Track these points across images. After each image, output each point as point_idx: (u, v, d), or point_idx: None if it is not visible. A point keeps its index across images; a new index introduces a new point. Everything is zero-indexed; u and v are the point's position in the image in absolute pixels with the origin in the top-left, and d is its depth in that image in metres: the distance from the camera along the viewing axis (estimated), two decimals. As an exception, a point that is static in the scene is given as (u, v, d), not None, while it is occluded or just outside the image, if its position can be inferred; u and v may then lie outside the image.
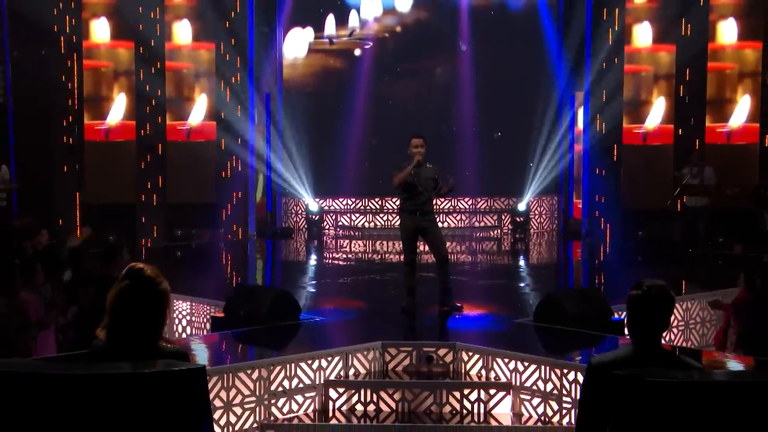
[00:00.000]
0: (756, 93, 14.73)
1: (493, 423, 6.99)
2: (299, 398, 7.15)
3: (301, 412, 7.13)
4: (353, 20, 16.87)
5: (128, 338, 3.48)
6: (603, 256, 14.75)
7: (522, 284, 12.29)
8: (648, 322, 3.64)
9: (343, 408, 7.21)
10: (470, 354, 7.61)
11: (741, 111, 14.81)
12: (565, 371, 6.94)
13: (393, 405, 7.15)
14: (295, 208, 17.22)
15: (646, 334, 3.65)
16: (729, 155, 14.70)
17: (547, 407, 7.03)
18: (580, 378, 6.84)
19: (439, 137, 14.84)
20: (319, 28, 16.88)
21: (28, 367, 3.58)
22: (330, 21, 16.85)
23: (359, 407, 7.19)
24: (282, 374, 7.06)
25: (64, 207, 14.66)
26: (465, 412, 7.14)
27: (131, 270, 3.54)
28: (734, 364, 7.32)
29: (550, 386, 7.03)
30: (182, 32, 15.39)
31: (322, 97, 17.09)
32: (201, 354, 7.65)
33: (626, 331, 8.50)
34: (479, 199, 17.04)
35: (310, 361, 7.26)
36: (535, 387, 7.12)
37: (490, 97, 16.68)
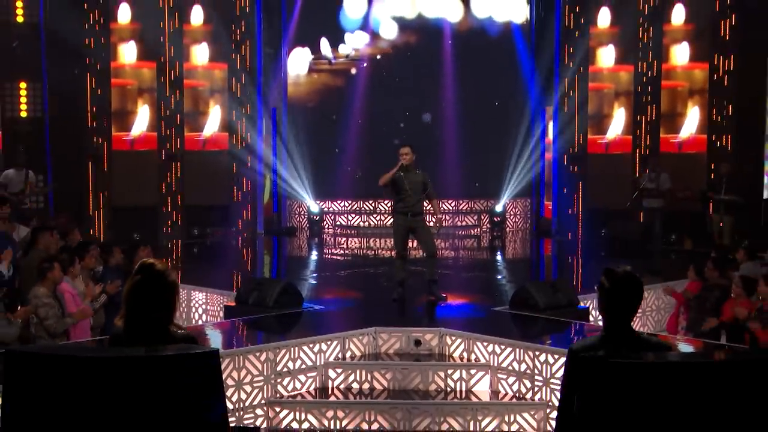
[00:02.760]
0: (703, 108, 14.80)
1: (474, 399, 7.01)
2: (302, 378, 7.15)
3: (303, 389, 7.13)
4: (350, 43, 16.87)
5: (143, 325, 3.47)
6: (570, 251, 14.75)
7: (499, 276, 12.30)
8: (618, 307, 3.53)
9: (341, 386, 7.21)
10: (453, 338, 7.62)
11: (689, 124, 14.87)
12: (537, 353, 6.96)
13: (385, 383, 7.15)
14: (298, 209, 17.19)
15: (617, 318, 3.54)
16: (680, 162, 14.74)
17: (521, 385, 7.04)
18: (551, 359, 6.86)
19: (427, 147, 14.83)
20: (319, 50, 16.87)
21: (58, 350, 3.57)
22: (328, 43, 16.85)
23: (355, 385, 7.20)
24: (287, 356, 7.06)
25: (94, 208, 14.63)
26: (449, 389, 7.15)
27: (143, 265, 3.53)
28: (684, 347, 7.34)
29: (524, 366, 7.04)
30: (199, 54, 15.34)
31: (322, 111, 17.09)
32: (215, 338, 7.64)
33: (592, 316, 8.55)
34: (461, 201, 17.03)
35: (311, 345, 7.26)
36: (510, 367, 7.13)
37: (471, 110, 16.74)
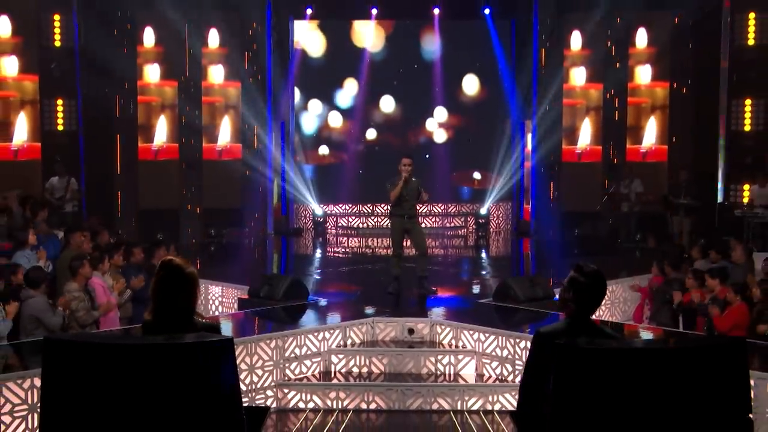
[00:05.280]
0: (665, 122, 14.86)
1: (461, 381, 7.01)
2: (308, 362, 7.15)
3: (309, 373, 7.14)
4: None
5: (169, 315, 3.48)
6: (546, 249, 14.76)
7: (483, 272, 12.29)
8: (588, 299, 3.52)
9: (343, 370, 7.21)
10: (443, 327, 7.63)
11: (648, 133, 14.93)
12: (518, 340, 6.97)
13: (382, 367, 7.16)
14: (304, 212, 17.20)
15: (580, 310, 3.53)
16: (645, 170, 14.77)
17: (503, 369, 7.05)
18: (530, 346, 6.86)
19: (420, 157, 14.91)
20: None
21: (92, 338, 3.57)
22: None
23: (355, 369, 7.20)
24: (294, 344, 7.06)
25: (123, 211, 14.63)
26: (439, 372, 7.15)
27: (164, 262, 3.54)
28: (648, 335, 7.36)
29: (505, 352, 7.05)
30: (216, 73, 15.34)
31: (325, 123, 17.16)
32: (230, 328, 7.63)
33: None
34: (450, 205, 17.09)
35: (316, 333, 7.27)
36: (494, 353, 7.14)
37: (458, 124, 16.78)
